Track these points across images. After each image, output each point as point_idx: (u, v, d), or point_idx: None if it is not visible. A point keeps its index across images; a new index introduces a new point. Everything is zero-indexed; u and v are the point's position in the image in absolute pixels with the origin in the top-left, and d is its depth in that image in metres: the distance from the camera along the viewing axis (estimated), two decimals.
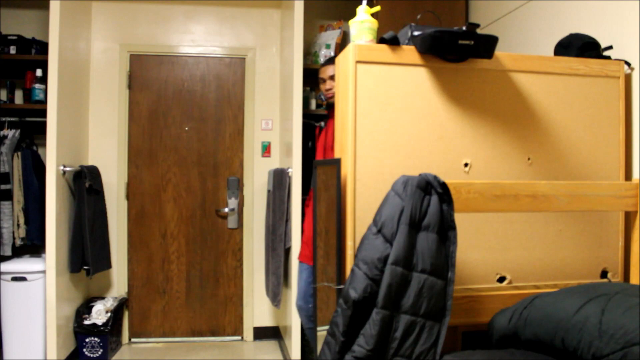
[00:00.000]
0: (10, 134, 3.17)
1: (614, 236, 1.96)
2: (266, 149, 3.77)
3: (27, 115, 3.32)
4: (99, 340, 3.21)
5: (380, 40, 1.78)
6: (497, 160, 1.88)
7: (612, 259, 1.96)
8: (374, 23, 1.80)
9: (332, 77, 2.66)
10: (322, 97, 2.70)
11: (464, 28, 1.73)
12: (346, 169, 1.75)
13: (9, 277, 3.02)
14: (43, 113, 3.00)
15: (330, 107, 2.70)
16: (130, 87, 3.67)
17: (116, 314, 3.39)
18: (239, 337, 3.76)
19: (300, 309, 2.76)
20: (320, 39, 3.64)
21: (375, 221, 1.54)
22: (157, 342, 3.68)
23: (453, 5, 3.24)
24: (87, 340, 3.20)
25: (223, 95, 3.77)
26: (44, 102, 3.15)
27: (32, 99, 3.23)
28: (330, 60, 2.69)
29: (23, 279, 3.03)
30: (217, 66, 3.77)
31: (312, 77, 3.48)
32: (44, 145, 3.03)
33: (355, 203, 1.73)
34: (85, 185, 3.16)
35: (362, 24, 1.79)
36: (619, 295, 1.34)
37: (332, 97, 2.62)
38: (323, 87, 2.71)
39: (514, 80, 1.89)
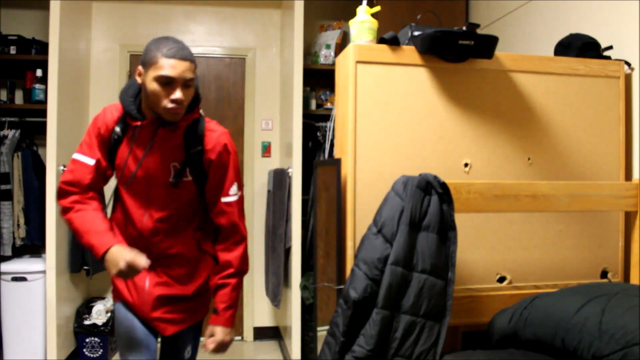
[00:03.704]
0: (10, 134, 3.17)
1: (614, 236, 1.96)
2: (266, 149, 3.77)
3: (27, 116, 3.32)
4: (99, 340, 3.20)
5: (380, 40, 1.78)
6: (497, 160, 1.88)
7: (612, 259, 1.96)
8: (374, 23, 1.80)
9: (187, 83, 1.50)
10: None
11: (464, 28, 1.73)
12: (346, 169, 1.75)
13: (9, 277, 3.02)
14: (43, 113, 3.00)
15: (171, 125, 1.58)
16: None
17: None
18: (239, 337, 3.76)
19: None
20: (320, 39, 3.64)
21: (375, 221, 1.54)
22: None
23: (453, 5, 3.24)
24: (87, 340, 3.20)
25: (223, 96, 3.77)
26: (44, 102, 3.14)
27: (32, 99, 3.23)
28: (179, 50, 1.50)
29: (23, 279, 3.02)
30: (217, 66, 3.76)
31: (312, 77, 3.48)
32: (44, 145, 3.02)
33: (355, 203, 1.73)
34: None
35: (362, 24, 1.79)
36: (619, 295, 1.34)
37: (178, 112, 1.53)
38: (162, 92, 1.49)
39: (514, 81, 1.89)
